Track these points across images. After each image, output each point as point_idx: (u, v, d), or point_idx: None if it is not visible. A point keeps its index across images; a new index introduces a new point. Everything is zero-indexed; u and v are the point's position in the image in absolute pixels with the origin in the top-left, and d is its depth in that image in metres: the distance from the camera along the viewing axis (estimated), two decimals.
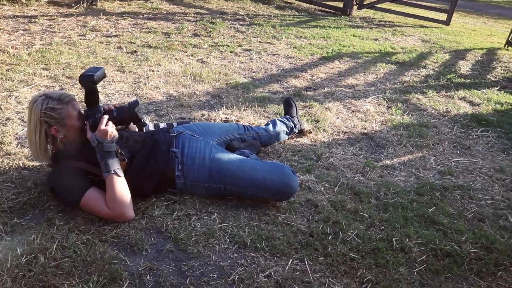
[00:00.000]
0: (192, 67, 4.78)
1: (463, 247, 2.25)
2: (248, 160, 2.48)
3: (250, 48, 5.89)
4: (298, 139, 3.30)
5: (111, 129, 2.19)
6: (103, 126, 2.17)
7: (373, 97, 4.42)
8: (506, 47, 7.93)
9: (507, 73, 6.00)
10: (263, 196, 2.38)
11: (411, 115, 4.05)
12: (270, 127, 3.13)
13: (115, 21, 6.47)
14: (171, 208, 2.36)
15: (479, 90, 5.03)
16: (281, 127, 3.17)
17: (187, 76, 4.49)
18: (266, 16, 8.23)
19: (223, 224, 2.26)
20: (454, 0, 9.50)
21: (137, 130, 2.60)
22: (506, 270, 2.15)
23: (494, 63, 6.54)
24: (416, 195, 2.70)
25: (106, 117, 2.21)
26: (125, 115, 2.37)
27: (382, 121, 3.83)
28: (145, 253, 2.04)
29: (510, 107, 4.60)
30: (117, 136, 2.23)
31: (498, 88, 5.22)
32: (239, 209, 2.40)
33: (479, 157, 3.38)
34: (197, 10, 8.01)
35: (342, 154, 3.15)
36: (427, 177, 2.95)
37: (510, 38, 8.01)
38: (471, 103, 4.60)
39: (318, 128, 3.53)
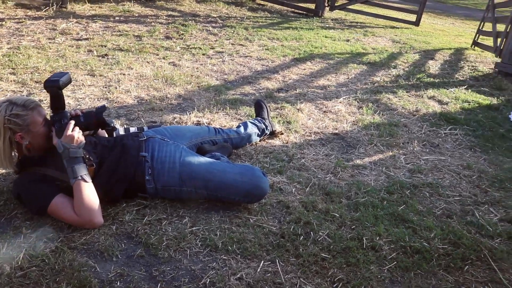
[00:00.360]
0: (164, 70, 4.75)
1: (431, 243, 2.30)
2: (219, 163, 2.47)
3: (223, 50, 5.88)
4: (269, 141, 3.32)
5: (78, 135, 2.16)
6: (69, 132, 2.13)
7: (344, 97, 4.47)
8: (473, 47, 8.13)
9: (473, 72, 6.15)
10: (234, 198, 2.38)
11: (382, 114, 4.11)
12: (242, 129, 3.13)
13: (86, 24, 6.38)
14: (142, 212, 2.34)
15: (447, 89, 5.14)
16: (252, 129, 3.17)
17: (158, 79, 4.46)
18: (238, 18, 8.24)
19: (194, 228, 2.25)
20: (423, 2, 9.70)
21: (106, 135, 2.57)
22: (472, 264, 2.20)
23: (462, 62, 6.69)
24: (387, 194, 2.74)
25: (72, 122, 2.18)
26: (92, 120, 2.33)
27: (353, 121, 3.87)
28: (115, 259, 2.01)
29: (476, 105, 4.72)
30: (83, 141, 2.19)
31: (465, 87, 5.34)
32: (210, 212, 2.39)
33: (447, 154, 3.46)
34: (170, 12, 7.97)
35: (313, 154, 3.17)
36: (397, 176, 3.00)
37: (476, 39, 8.22)
38: (440, 102, 4.69)
39: (290, 129, 3.55)
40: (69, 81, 2.20)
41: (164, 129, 2.78)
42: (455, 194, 2.86)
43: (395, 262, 2.14)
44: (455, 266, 2.17)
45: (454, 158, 3.41)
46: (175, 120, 3.53)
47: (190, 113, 3.68)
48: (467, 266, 2.18)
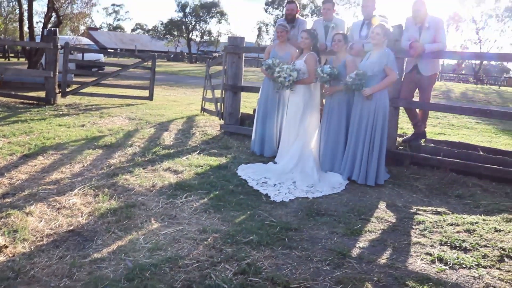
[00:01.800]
0: None
1: None
2: None
3: None
4: None
5: None
6: None
7: (79, 188, 4.32)
8: (202, 113, 8.99)
9: (204, 136, 6.76)
10: None
11: (119, 198, 4.11)
12: None
13: None
14: None
15: (181, 158, 5.50)
16: None
17: None
18: None
19: None
20: (152, 78, 10.34)
21: None
22: None
23: (194, 129, 7.30)
24: (127, 282, 2.71)
25: None
26: None
27: (89, 212, 3.77)
28: None
29: (208, 168, 5.17)
30: None
31: (198, 152, 5.82)
32: None
33: (185, 223, 3.65)
34: None
35: (46, 261, 2.94)
36: (137, 259, 3.01)
37: (203, 105, 9.13)
38: (175, 172, 4.97)
39: (17, 239, 3.22)
40: None
41: None
42: (194, 262, 3.02)
43: None
44: None
45: (191, 224, 3.63)
46: None
47: None
48: None
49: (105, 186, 4.41)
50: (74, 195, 4.16)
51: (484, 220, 4.04)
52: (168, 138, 6.60)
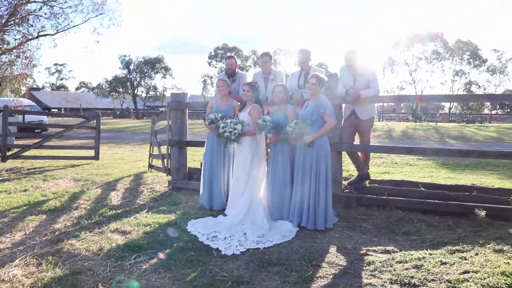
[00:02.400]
0: None
1: None
2: None
3: None
4: None
5: None
6: None
7: (20, 258, 4.11)
8: (149, 169, 8.89)
9: (152, 194, 6.67)
10: None
11: (64, 265, 3.95)
12: None
13: None
14: None
15: (130, 218, 5.38)
16: None
17: None
18: None
19: None
20: (97, 137, 10.20)
21: None
22: None
23: (142, 187, 7.19)
24: None
25: None
26: None
27: (32, 284, 3.58)
28: None
29: (157, 226, 5.08)
30: None
31: (146, 210, 5.72)
32: None
33: None
34: None
35: None
36: None
37: (150, 161, 9.06)
38: (123, 232, 4.85)
39: None
40: None
41: None
42: None
43: None
44: None
45: (141, 287, 3.52)
46: None
47: None
48: None
49: (49, 253, 4.23)
50: (15, 266, 3.96)
51: (430, 254, 4.17)
52: (115, 198, 6.46)
